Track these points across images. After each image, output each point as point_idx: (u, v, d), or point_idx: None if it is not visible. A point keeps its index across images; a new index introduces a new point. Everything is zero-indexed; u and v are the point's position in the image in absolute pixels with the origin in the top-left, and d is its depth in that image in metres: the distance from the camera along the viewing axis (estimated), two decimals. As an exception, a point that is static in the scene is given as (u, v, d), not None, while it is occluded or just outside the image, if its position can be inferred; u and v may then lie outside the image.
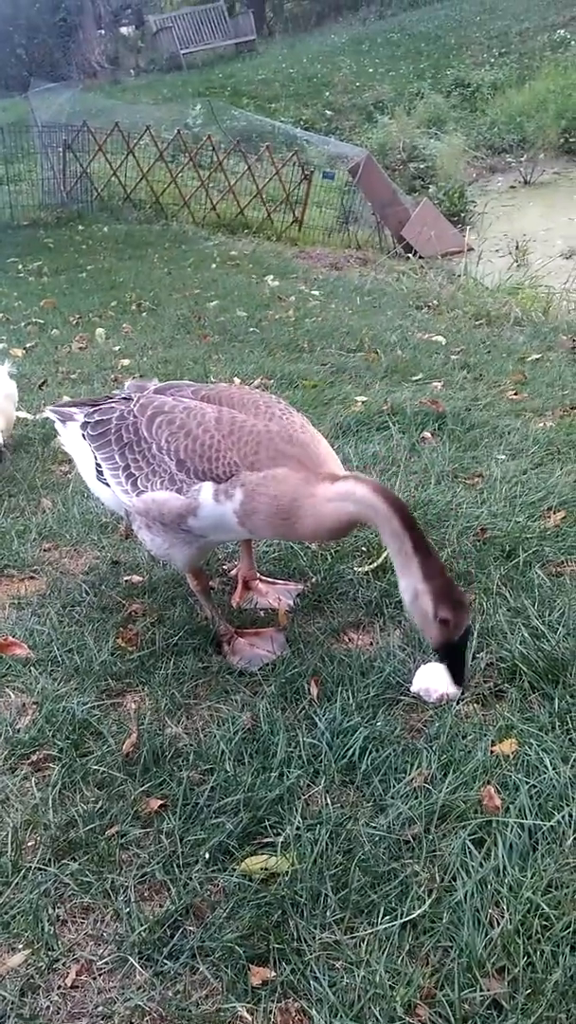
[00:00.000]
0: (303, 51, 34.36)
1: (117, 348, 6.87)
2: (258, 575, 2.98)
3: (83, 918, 1.90)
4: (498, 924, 1.76)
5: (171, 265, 11.36)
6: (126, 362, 6.33)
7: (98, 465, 2.71)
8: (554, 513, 3.28)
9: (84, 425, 2.79)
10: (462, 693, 2.35)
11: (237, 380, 5.40)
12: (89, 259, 11.91)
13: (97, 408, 2.79)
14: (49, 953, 1.81)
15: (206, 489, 2.39)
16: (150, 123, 16.50)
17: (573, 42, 27.37)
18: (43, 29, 38.28)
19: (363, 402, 4.82)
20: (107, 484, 2.68)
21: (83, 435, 2.79)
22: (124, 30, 43.62)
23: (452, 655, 2.29)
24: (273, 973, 1.72)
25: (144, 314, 8.32)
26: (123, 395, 2.81)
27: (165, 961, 1.77)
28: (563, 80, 24.31)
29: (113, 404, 2.74)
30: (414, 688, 2.43)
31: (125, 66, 39.73)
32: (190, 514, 2.41)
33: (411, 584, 2.25)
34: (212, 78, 32.17)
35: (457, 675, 2.31)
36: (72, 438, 2.93)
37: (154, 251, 12.50)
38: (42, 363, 6.55)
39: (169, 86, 31.87)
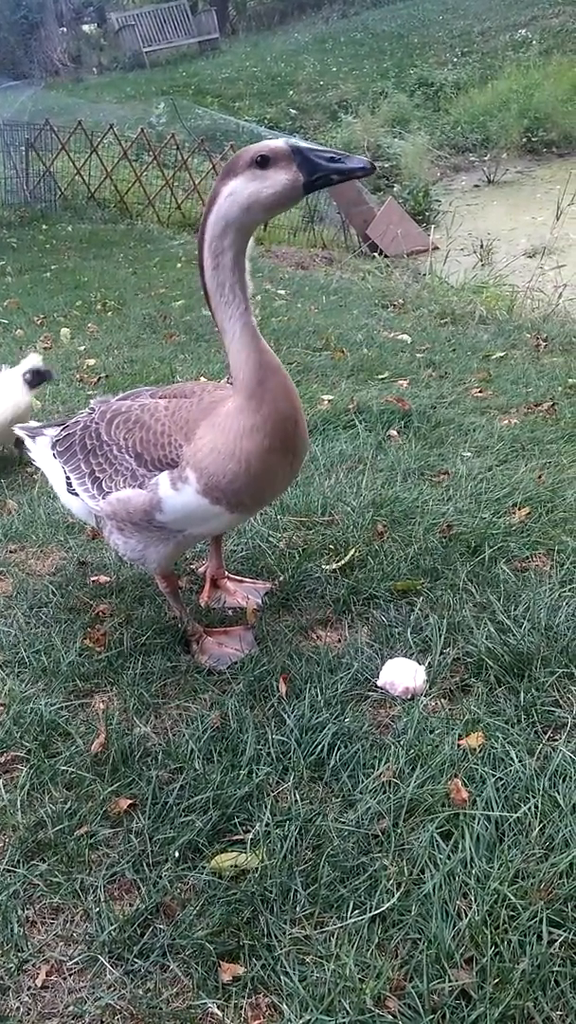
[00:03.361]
0: (266, 50, 34.38)
1: (82, 348, 6.84)
2: (226, 574, 2.98)
3: (52, 919, 1.90)
4: (466, 915, 1.78)
5: (136, 264, 11.32)
6: (91, 362, 6.30)
7: (68, 477, 2.71)
8: (519, 509, 3.32)
9: (54, 444, 2.79)
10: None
11: (203, 379, 5.39)
12: (53, 259, 11.84)
13: (65, 425, 2.80)
14: (19, 954, 1.81)
15: (163, 480, 2.35)
16: (113, 122, 16.42)
17: (534, 42, 27.65)
18: (3, 27, 37.95)
19: (330, 400, 4.84)
20: (77, 495, 2.68)
21: (53, 454, 2.80)
22: (86, 28, 43.46)
23: (317, 160, 2.00)
24: (243, 969, 1.73)
25: (109, 314, 8.29)
26: (88, 409, 2.82)
27: (135, 960, 1.77)
28: (525, 80, 24.57)
29: (78, 418, 2.75)
30: (380, 681, 2.46)
31: (87, 64, 39.54)
32: (155, 509, 2.39)
33: (227, 197, 2.06)
34: (175, 76, 32.09)
35: (350, 165, 1.99)
36: (42, 454, 2.94)
37: (119, 250, 12.46)
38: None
39: (132, 84, 31.75)
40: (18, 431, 3.15)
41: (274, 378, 2.22)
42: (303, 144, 2.03)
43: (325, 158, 1.99)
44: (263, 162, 2.01)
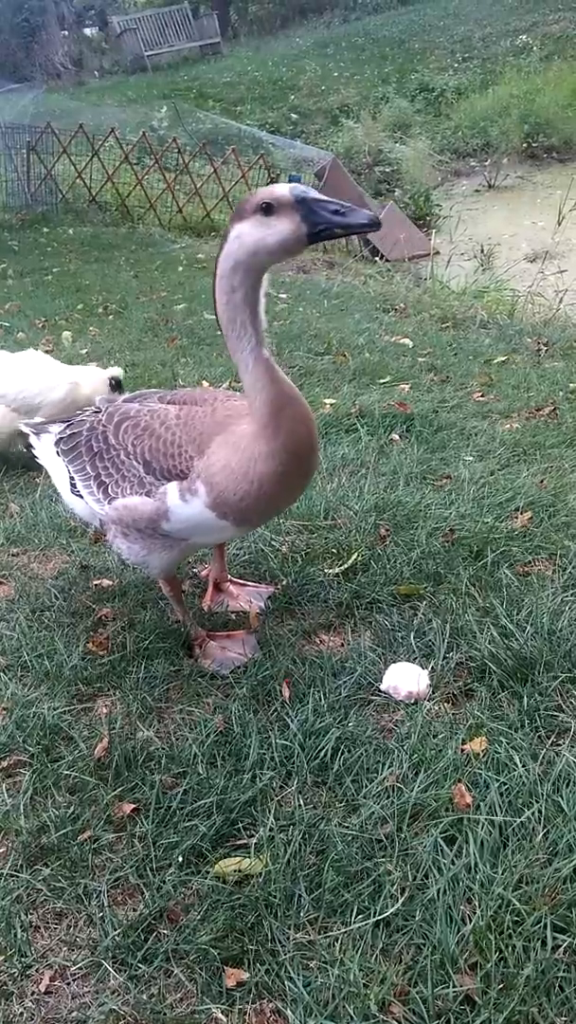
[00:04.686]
0: (268, 54, 34.42)
1: (84, 351, 6.83)
2: (229, 577, 2.98)
3: (56, 923, 1.89)
4: (470, 920, 1.78)
5: (138, 268, 11.32)
6: (93, 365, 6.28)
7: (72, 478, 2.70)
8: (521, 514, 3.32)
9: (58, 442, 2.78)
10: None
11: (205, 383, 5.40)
12: (55, 262, 11.83)
13: (69, 423, 2.79)
14: (22, 959, 1.80)
15: (172, 490, 2.35)
16: (115, 125, 16.43)
17: (535, 47, 27.68)
18: (5, 30, 38.04)
19: (332, 404, 4.84)
20: (81, 496, 2.67)
21: (57, 452, 2.79)
22: (88, 31, 43.49)
23: (321, 212, 1.98)
24: (248, 974, 1.73)
25: (111, 317, 8.29)
26: (94, 409, 2.80)
27: (139, 965, 1.77)
28: (526, 85, 24.58)
29: (84, 418, 2.74)
30: (383, 685, 2.46)
31: (89, 67, 39.58)
32: (161, 518, 2.39)
33: (235, 240, 2.07)
34: (177, 80, 32.10)
35: (353, 218, 1.97)
36: (46, 451, 2.92)
37: (120, 254, 12.46)
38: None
39: (134, 88, 31.78)
40: (23, 427, 3.14)
41: (290, 407, 2.22)
42: (309, 194, 2.00)
43: (329, 210, 1.97)
44: (267, 209, 2.01)
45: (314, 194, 2.00)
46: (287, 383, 2.24)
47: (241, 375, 2.23)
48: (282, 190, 2.01)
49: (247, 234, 2.05)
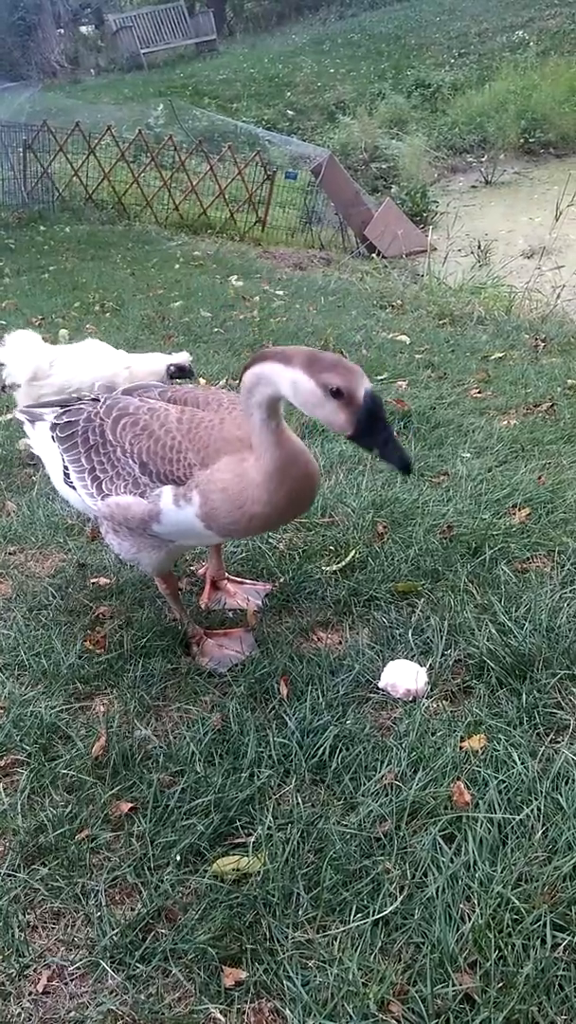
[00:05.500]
0: (264, 51, 34.41)
1: (81, 349, 6.82)
2: (227, 575, 2.97)
3: (53, 923, 1.89)
4: (469, 919, 1.77)
5: (134, 266, 11.30)
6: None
7: (65, 467, 2.68)
8: (519, 510, 3.31)
9: (53, 427, 2.75)
10: (408, 472, 2.02)
11: (202, 381, 5.38)
12: (51, 260, 11.81)
13: (66, 410, 2.76)
14: (19, 959, 1.80)
15: (166, 494, 2.34)
16: (111, 123, 16.41)
17: (531, 43, 27.67)
18: (1, 28, 38.01)
19: (328, 401, 4.82)
20: (74, 487, 2.65)
21: (52, 437, 2.76)
22: (84, 29, 43.43)
23: (375, 432, 2.00)
24: (246, 974, 1.72)
25: (108, 315, 8.27)
26: (92, 397, 2.78)
27: (137, 964, 1.76)
28: (522, 81, 24.58)
29: (82, 406, 2.71)
30: (382, 683, 2.45)
31: (85, 65, 39.55)
32: (153, 520, 2.38)
33: (289, 379, 2.03)
34: (173, 78, 32.09)
35: (393, 454, 2.01)
36: (41, 439, 2.89)
37: (117, 252, 12.44)
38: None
39: (130, 86, 31.77)
40: (18, 415, 3.09)
41: (294, 466, 2.23)
42: (379, 412, 1.98)
43: (382, 436, 1.99)
44: (336, 393, 1.98)
45: (383, 415, 2.00)
46: (292, 441, 2.24)
47: (249, 429, 2.23)
48: (361, 390, 1.97)
49: (305, 393, 2.02)
